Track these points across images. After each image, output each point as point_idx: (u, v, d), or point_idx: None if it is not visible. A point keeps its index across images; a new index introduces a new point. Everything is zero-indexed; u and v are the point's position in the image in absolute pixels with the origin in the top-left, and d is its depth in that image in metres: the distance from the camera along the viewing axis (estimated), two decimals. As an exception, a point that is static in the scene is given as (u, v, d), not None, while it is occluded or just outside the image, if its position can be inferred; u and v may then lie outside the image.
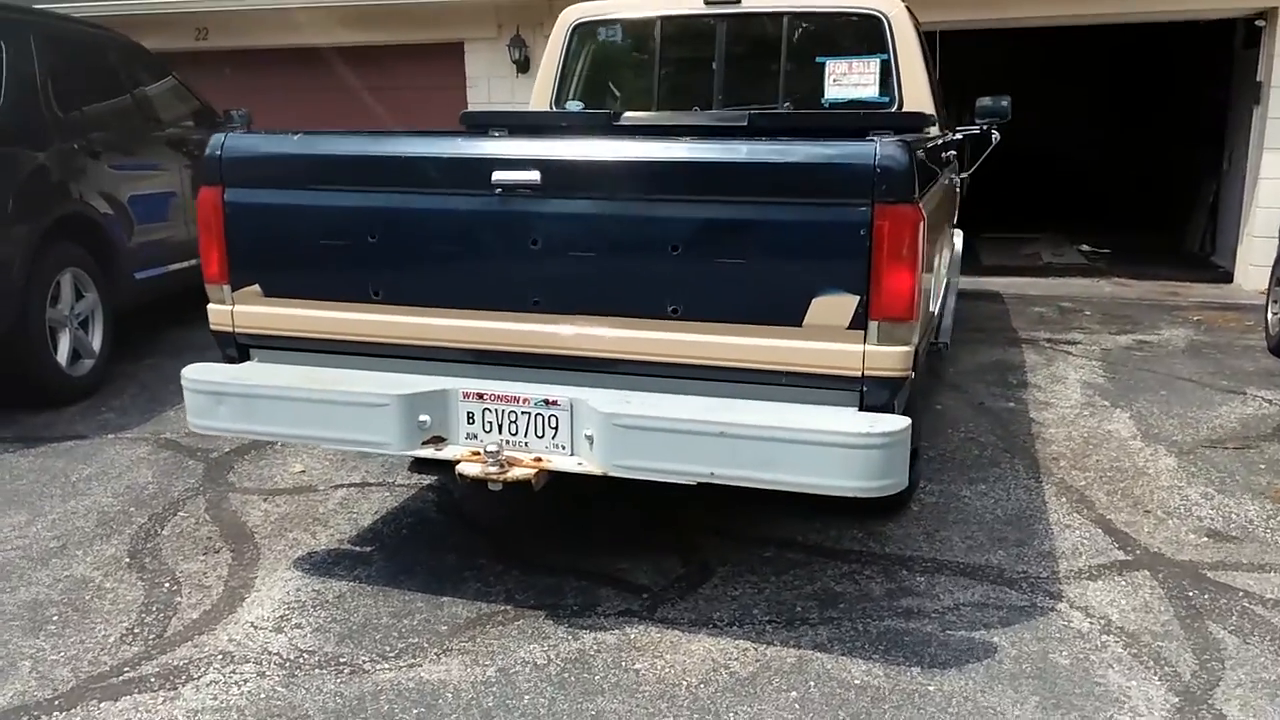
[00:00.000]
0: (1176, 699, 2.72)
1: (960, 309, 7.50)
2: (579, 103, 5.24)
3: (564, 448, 2.97)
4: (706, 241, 2.83)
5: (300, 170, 3.19)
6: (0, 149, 5.08)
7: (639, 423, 2.79)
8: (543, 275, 2.97)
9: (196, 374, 3.24)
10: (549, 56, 5.30)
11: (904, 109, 4.71)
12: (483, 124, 4.75)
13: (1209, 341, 6.66)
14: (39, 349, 5.20)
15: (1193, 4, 8.52)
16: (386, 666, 2.92)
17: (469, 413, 3.04)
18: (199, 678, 2.87)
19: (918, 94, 4.77)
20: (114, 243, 5.85)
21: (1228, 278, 8.95)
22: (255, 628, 3.13)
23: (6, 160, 5.10)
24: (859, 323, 2.74)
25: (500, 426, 3.01)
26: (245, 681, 2.85)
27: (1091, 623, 3.10)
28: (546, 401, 2.96)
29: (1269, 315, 6.40)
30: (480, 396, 3.02)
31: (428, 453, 3.06)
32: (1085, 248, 10.62)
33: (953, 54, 11.05)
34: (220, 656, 2.97)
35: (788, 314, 2.79)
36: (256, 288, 3.28)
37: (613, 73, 5.47)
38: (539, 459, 2.96)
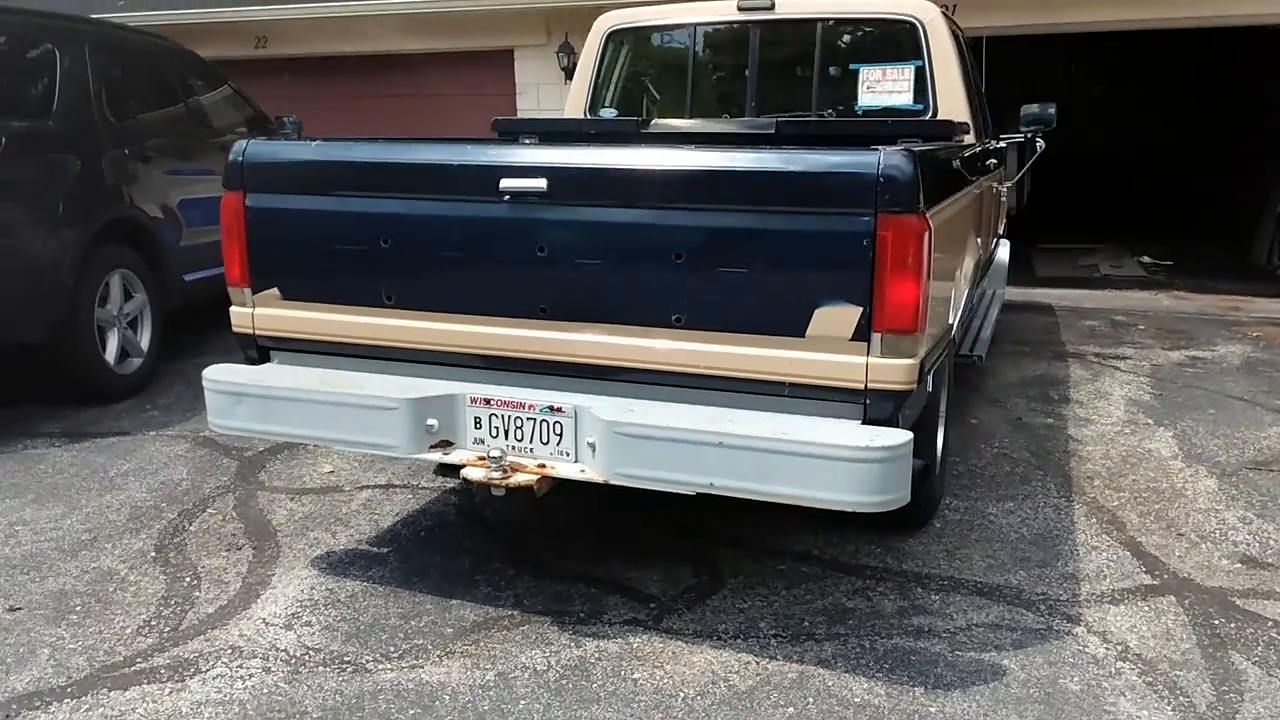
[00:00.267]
0: (1189, 730, 2.63)
1: (1006, 321, 7.37)
2: (613, 110, 5.25)
3: (568, 454, 2.97)
4: (710, 250, 2.81)
5: (317, 176, 3.25)
6: (51, 155, 5.26)
7: (640, 431, 2.79)
8: (549, 282, 2.98)
9: (217, 375, 3.31)
10: (583, 64, 5.32)
11: (939, 116, 4.64)
12: (514, 131, 4.78)
13: (1266, 359, 6.43)
14: (88, 347, 5.36)
15: (1260, 8, 8.27)
16: (389, 667, 2.94)
17: (476, 418, 3.06)
18: (206, 671, 2.92)
19: (953, 101, 4.70)
20: (164, 245, 6.01)
21: (1293, 292, 8.65)
22: (266, 624, 3.19)
23: (57, 166, 5.27)
24: (862, 334, 2.70)
25: (506, 432, 3.03)
26: (250, 676, 2.90)
27: (1108, 648, 3.01)
28: (551, 408, 2.97)
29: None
30: (487, 402, 3.04)
31: (435, 456, 3.09)
32: (1145, 259, 10.34)
33: (1011, 60, 10.89)
34: (229, 651, 3.03)
35: (790, 324, 2.76)
36: (275, 291, 3.34)
37: (646, 80, 5.48)
38: (543, 465, 2.97)
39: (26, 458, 4.70)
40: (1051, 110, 5.95)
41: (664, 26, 5.36)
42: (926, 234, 2.67)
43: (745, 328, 2.82)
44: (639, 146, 3.14)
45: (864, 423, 2.76)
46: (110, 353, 5.54)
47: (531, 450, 3.01)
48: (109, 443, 4.90)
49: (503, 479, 2.92)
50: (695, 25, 5.24)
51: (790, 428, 2.70)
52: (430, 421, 3.05)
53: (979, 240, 4.59)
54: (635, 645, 3.04)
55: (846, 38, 4.95)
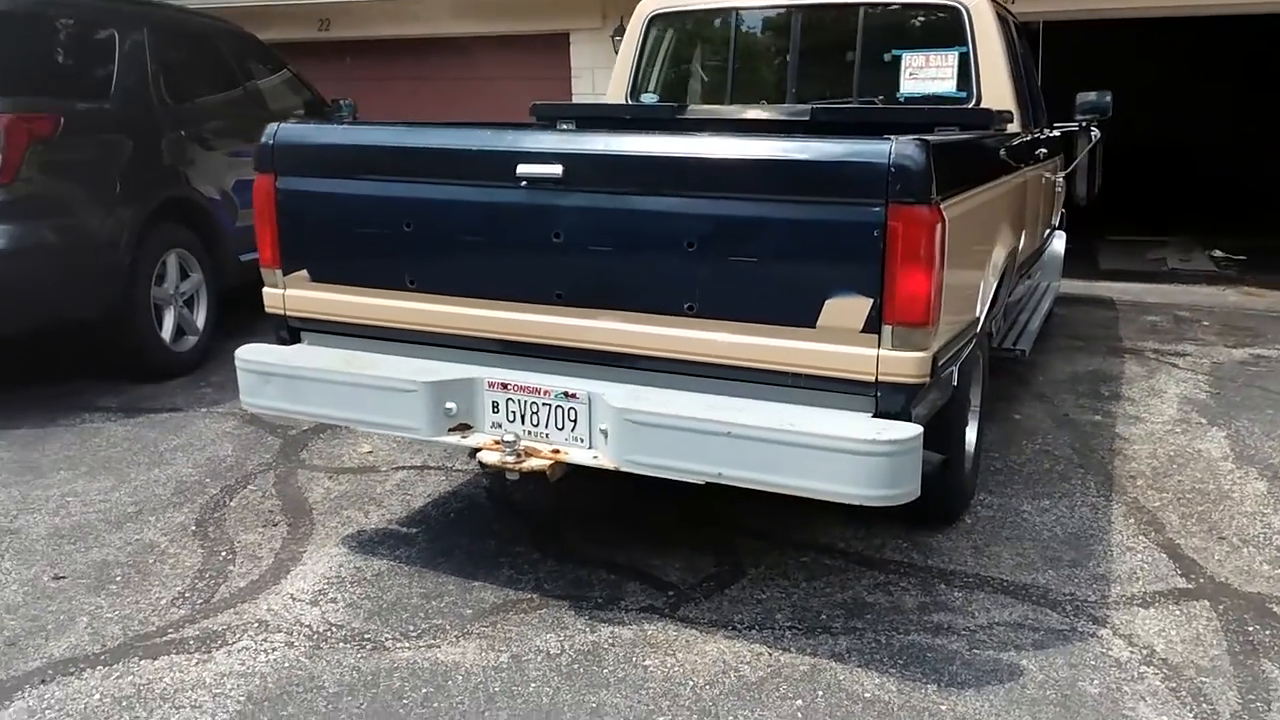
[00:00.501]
0: (1208, 738, 2.56)
1: (1063, 315, 7.20)
2: (653, 95, 5.23)
3: (582, 440, 2.99)
4: (721, 238, 2.79)
5: (344, 159, 3.30)
6: (109, 135, 5.41)
7: (649, 419, 2.79)
8: (564, 268, 2.99)
9: (248, 354, 3.39)
10: (625, 48, 5.31)
11: (982, 104, 4.54)
12: (552, 116, 4.80)
13: (1335, 358, 6.19)
14: (144, 325, 5.52)
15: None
16: (406, 645, 2.99)
17: (494, 402, 3.08)
18: (233, 643, 3.01)
19: (998, 88, 4.59)
20: (220, 226, 6.15)
21: (1371, 289, 8.29)
22: (294, 599, 3.26)
23: (114, 146, 5.43)
24: (872, 326, 2.66)
25: (523, 417, 3.05)
26: (274, 650, 2.97)
27: (1132, 652, 2.94)
28: (566, 394, 2.99)
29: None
30: (505, 386, 3.06)
31: (454, 439, 3.13)
32: (1217, 253, 9.99)
33: (1080, 45, 10.59)
34: (256, 624, 3.11)
35: (802, 315, 2.73)
36: (305, 273, 3.40)
37: (688, 64, 5.45)
38: (557, 450, 2.99)
39: (84, 431, 4.86)
40: (1109, 98, 5.78)
41: (706, 11, 5.32)
42: (939, 225, 2.62)
43: (757, 317, 2.80)
44: (652, 134, 3.12)
45: (875, 415, 2.73)
46: (166, 330, 5.69)
47: (547, 435, 3.03)
48: (162, 418, 5.05)
49: (516, 463, 2.95)
50: (737, 9, 5.19)
51: (798, 419, 2.67)
52: (449, 404, 3.09)
53: (1021, 231, 4.49)
54: (649, 632, 3.05)
55: (890, 22, 4.86)
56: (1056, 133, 5.68)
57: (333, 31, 10.92)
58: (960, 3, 4.57)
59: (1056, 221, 6.54)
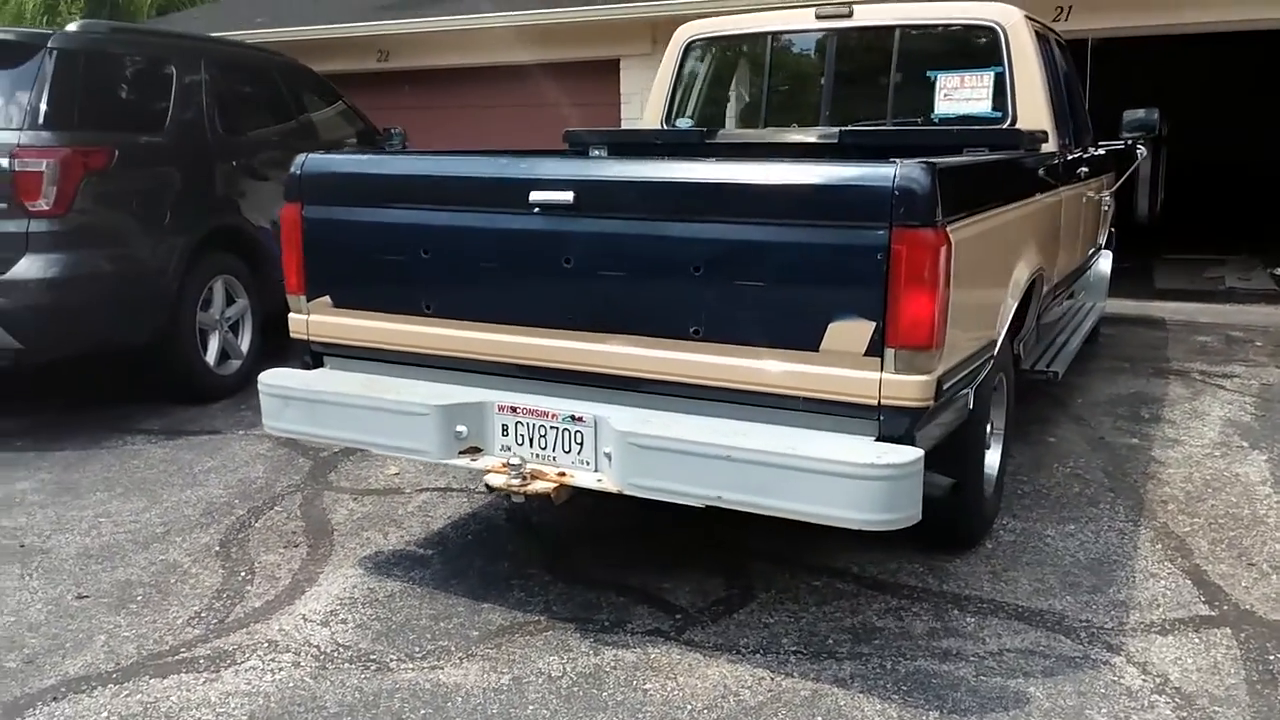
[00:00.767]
0: (1218, 773, 2.48)
1: (1111, 335, 7.05)
2: (689, 120, 5.27)
3: (588, 464, 3.01)
4: (727, 262, 2.80)
5: (364, 188, 3.38)
6: (160, 167, 5.61)
7: (651, 442, 2.80)
8: (574, 293, 3.03)
9: (270, 379, 3.48)
10: (662, 74, 5.36)
11: (1018, 124, 4.48)
12: (585, 143, 4.85)
13: (1394, 381, 5.96)
14: (189, 349, 5.69)
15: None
16: (410, 666, 3.03)
17: (504, 425, 3.12)
18: (241, 663, 3.07)
19: (1035, 108, 4.53)
20: (266, 253, 6.31)
21: None
22: (305, 620, 3.32)
23: (165, 177, 5.62)
24: (875, 350, 2.65)
25: (531, 440, 3.08)
26: (280, 670, 3.02)
27: (1145, 680, 2.86)
28: (573, 417, 3.01)
29: None
30: (514, 410, 3.10)
31: (464, 462, 3.17)
32: (1278, 272, 9.70)
33: (1135, 63, 10.40)
34: (266, 645, 3.17)
35: (805, 338, 2.73)
36: (328, 299, 3.48)
37: (724, 89, 5.48)
38: (562, 474, 3.01)
39: (124, 453, 5.02)
40: (1156, 116, 5.68)
41: (741, 36, 5.35)
42: (944, 248, 2.60)
43: (761, 341, 2.80)
44: (661, 160, 3.15)
45: (878, 439, 2.71)
46: (211, 354, 5.86)
47: (554, 458, 3.05)
48: (200, 440, 5.19)
49: (521, 486, 2.98)
50: (773, 33, 5.21)
51: (798, 442, 2.66)
52: (460, 428, 3.13)
53: (1055, 251, 4.42)
54: (652, 656, 3.05)
55: (925, 44, 4.83)
56: (1102, 151, 5.58)
57: (391, 62, 11.21)
58: (997, 22, 4.52)
59: (1103, 241, 6.41)
